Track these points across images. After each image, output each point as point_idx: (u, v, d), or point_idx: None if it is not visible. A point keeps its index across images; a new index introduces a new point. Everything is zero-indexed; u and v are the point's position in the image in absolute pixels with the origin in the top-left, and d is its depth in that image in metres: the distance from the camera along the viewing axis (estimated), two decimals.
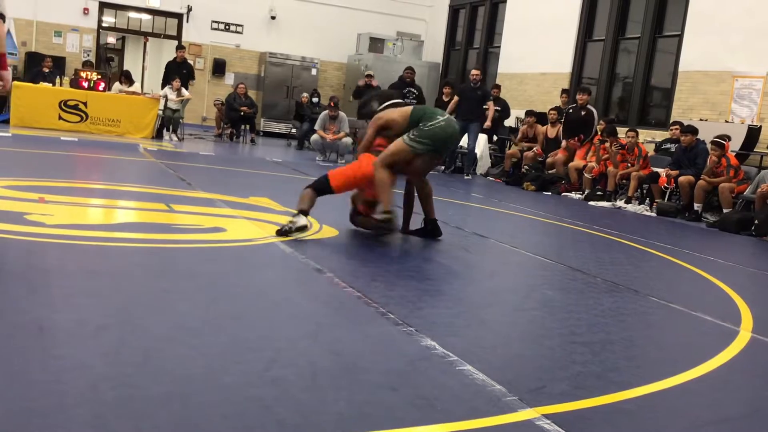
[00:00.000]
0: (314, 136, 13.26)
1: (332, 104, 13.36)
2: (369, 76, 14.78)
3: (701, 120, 11.47)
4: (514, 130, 14.28)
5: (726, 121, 11.27)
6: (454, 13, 19.72)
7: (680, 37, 12.56)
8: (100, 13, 17.75)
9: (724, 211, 9.45)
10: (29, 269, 3.85)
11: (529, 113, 13.29)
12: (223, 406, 2.39)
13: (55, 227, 4.89)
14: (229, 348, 2.95)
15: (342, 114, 13.36)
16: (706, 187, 9.72)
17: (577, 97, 12.41)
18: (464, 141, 12.91)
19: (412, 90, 13.07)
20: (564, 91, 14.06)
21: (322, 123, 13.17)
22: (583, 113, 12.10)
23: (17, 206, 5.43)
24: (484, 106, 12.90)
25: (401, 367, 2.97)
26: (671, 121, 11.73)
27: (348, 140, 13.19)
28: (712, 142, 9.72)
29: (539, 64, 15.54)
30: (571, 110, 12.35)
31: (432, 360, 3.06)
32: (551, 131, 12.69)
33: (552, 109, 12.97)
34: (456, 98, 12.84)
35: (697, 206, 9.81)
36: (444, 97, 14.00)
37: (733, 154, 10.02)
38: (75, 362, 2.63)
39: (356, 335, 3.35)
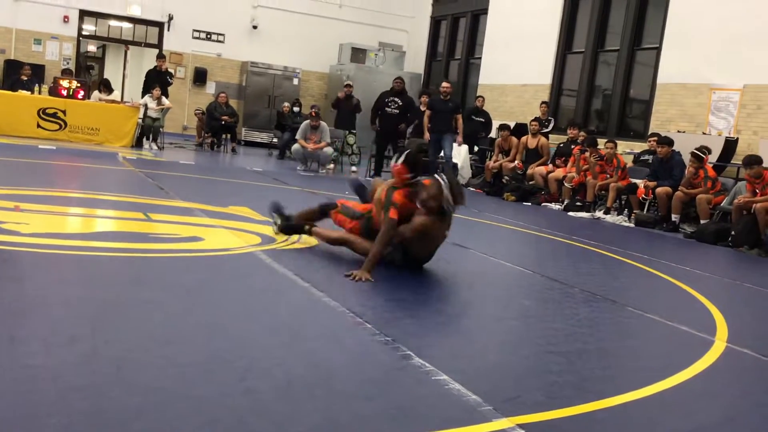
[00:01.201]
0: (295, 146, 13.24)
1: (313, 114, 13.34)
2: (348, 86, 14.78)
3: (679, 132, 11.59)
4: (494, 141, 14.34)
5: (703, 133, 11.39)
6: (435, 24, 19.81)
7: (658, 49, 12.70)
8: (81, 21, 17.65)
9: (702, 222, 9.54)
10: (2, 278, 3.80)
11: (502, 127, 13.34)
12: (197, 417, 2.37)
13: (31, 236, 4.84)
14: (203, 358, 2.93)
15: (323, 124, 13.34)
16: (684, 198, 9.80)
17: (570, 132, 12.64)
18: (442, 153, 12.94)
19: (396, 100, 13.07)
20: (543, 102, 14.17)
21: (303, 132, 13.15)
22: (572, 147, 12.32)
23: None
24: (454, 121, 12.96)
25: (377, 377, 2.96)
26: (649, 133, 11.85)
27: (329, 150, 13.18)
28: (692, 154, 9.82)
29: (520, 75, 15.64)
30: (562, 144, 12.58)
31: (408, 370, 3.06)
32: (531, 142, 12.76)
33: (533, 120, 13.04)
34: (428, 113, 12.85)
35: (674, 217, 9.90)
36: (422, 107, 14.04)
37: (711, 165, 10.12)
38: (47, 372, 2.60)
39: (332, 345, 3.33)
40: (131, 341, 3.04)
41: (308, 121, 13.29)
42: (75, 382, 2.54)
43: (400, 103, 13.04)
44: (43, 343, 2.88)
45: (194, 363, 2.85)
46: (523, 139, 12.92)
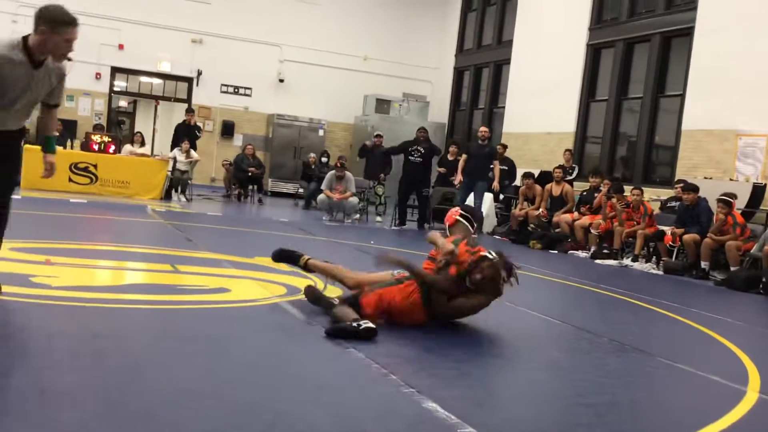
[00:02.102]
0: (321, 196, 13.36)
1: (339, 164, 13.48)
2: (378, 136, 14.92)
3: (706, 178, 11.52)
4: (519, 189, 14.36)
5: (731, 179, 11.31)
6: (458, 74, 20.06)
7: (682, 96, 12.72)
8: (112, 77, 18.15)
9: (732, 269, 9.41)
10: (33, 332, 3.86)
11: (526, 175, 13.36)
12: None
13: (61, 289, 4.92)
14: (229, 411, 2.93)
15: (349, 174, 13.47)
16: (713, 245, 9.69)
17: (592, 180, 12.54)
18: (470, 200, 12.95)
19: (418, 148, 13.18)
20: (567, 150, 14.21)
21: (328, 183, 13.28)
22: (595, 194, 12.22)
23: (23, 268, 5.46)
24: (491, 165, 13.00)
25: (402, 429, 2.94)
26: (675, 179, 11.79)
27: (354, 200, 13.27)
28: (719, 200, 9.74)
29: (543, 123, 15.72)
30: (585, 192, 12.49)
31: (434, 422, 3.03)
32: (556, 189, 12.74)
33: (557, 168, 13.05)
34: (464, 156, 12.93)
35: (704, 264, 9.76)
36: (449, 156, 14.12)
37: (739, 212, 10.02)
38: (75, 426, 2.62)
39: (357, 397, 3.32)
40: (159, 394, 3.05)
41: (334, 171, 13.43)
42: None
43: (423, 152, 13.17)
44: (72, 397, 2.91)
45: (221, 416, 2.86)
46: (548, 186, 12.92)
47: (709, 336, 5.79)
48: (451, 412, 3.14)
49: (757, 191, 10.72)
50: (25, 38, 4.05)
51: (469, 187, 12.78)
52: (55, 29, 3.98)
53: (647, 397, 3.97)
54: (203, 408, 2.93)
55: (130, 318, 4.44)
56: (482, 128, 13.36)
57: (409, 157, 13.19)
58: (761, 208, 10.68)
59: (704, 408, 3.79)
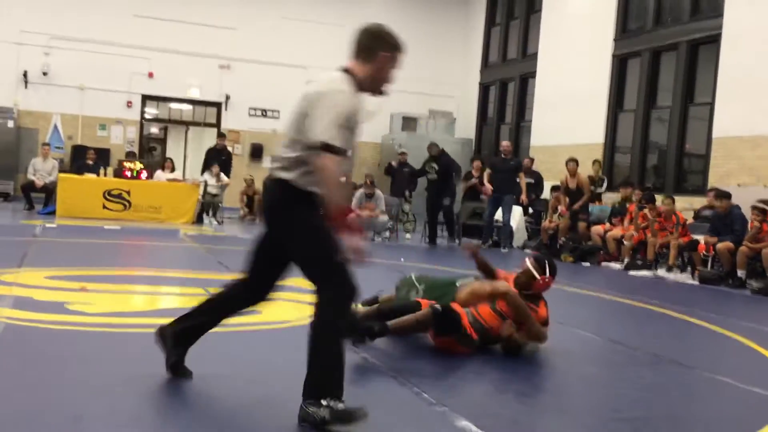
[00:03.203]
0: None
1: (368, 182, 13.49)
2: (403, 153, 14.97)
3: (739, 185, 11.34)
4: (548, 202, 14.27)
5: (765, 186, 11.12)
6: (484, 90, 20.06)
7: (712, 104, 12.57)
8: (143, 105, 18.45)
9: None
10: (69, 359, 3.91)
11: (555, 188, 13.26)
12: None
13: (96, 316, 4.99)
14: None
15: (378, 192, 13.48)
16: (749, 253, 9.52)
17: (623, 191, 12.54)
18: (499, 214, 12.91)
19: (433, 165, 13.18)
20: (595, 160, 14.12)
21: (358, 201, 13.31)
22: (627, 205, 12.10)
23: (59, 296, 5.55)
24: (517, 179, 12.95)
25: None
26: (708, 188, 11.63)
27: (384, 218, 13.27)
28: (753, 208, 9.58)
29: (571, 135, 15.61)
30: (618, 204, 12.41)
31: None
32: (571, 182, 12.51)
33: (569, 161, 12.73)
34: (488, 171, 12.92)
35: (740, 273, 9.59)
36: (474, 172, 14.10)
37: None
38: None
39: (390, 416, 3.31)
40: (190, 418, 3.08)
41: (363, 189, 13.46)
42: None
43: (437, 168, 13.16)
44: (106, 423, 2.94)
45: None
46: (562, 180, 12.74)
47: (747, 346, 5.67)
48: (486, 430, 3.12)
49: None
50: (346, 70, 3.36)
51: (497, 201, 12.76)
52: (395, 56, 3.28)
53: (685, 411, 3.91)
54: (233, 430, 2.95)
55: None
56: (504, 143, 13.40)
57: (427, 176, 13.25)
58: None
59: (746, 420, 3.71)
